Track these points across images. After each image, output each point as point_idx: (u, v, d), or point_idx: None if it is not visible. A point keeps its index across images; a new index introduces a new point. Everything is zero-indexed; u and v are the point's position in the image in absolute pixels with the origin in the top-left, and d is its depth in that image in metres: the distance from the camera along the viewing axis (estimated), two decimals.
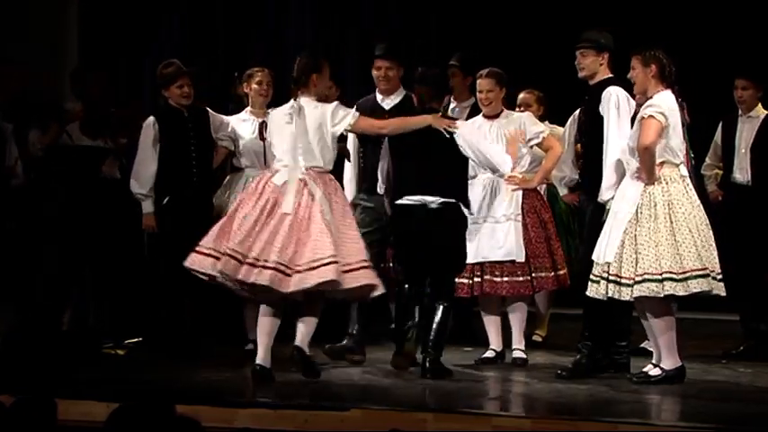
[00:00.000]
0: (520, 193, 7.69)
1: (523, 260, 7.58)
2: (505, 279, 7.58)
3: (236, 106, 8.68)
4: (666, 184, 6.79)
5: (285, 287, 6.74)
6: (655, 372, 6.91)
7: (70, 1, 10.71)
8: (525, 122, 7.79)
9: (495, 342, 7.80)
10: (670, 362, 6.87)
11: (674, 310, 7.03)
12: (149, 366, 7.63)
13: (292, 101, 7.13)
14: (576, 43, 7.40)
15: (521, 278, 7.60)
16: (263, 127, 8.09)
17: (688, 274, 6.69)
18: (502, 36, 11.04)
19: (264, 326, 7.01)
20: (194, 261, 6.97)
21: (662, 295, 6.70)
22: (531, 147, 7.81)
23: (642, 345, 8.07)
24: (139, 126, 8.18)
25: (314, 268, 6.72)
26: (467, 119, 8.83)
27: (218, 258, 6.87)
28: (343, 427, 5.95)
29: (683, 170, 6.90)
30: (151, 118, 8.08)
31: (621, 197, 6.88)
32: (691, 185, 6.91)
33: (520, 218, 7.64)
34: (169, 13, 11.58)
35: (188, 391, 6.63)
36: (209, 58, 11.15)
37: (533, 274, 7.62)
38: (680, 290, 6.69)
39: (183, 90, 8.05)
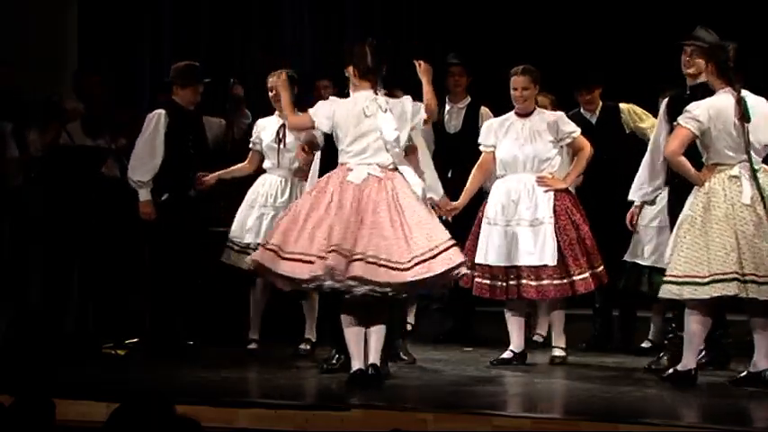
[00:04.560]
0: (551, 194, 7.57)
1: (555, 264, 7.45)
2: (543, 283, 7.46)
3: (232, 107, 8.70)
4: (711, 185, 6.70)
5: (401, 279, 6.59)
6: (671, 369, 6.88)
7: (70, 1, 10.69)
8: (558, 121, 7.69)
9: (516, 343, 7.69)
10: (684, 362, 6.81)
11: None
12: (149, 366, 7.62)
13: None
14: (683, 39, 7.24)
15: (557, 281, 7.47)
16: (281, 129, 8.08)
17: (708, 279, 6.59)
18: (506, 37, 11.05)
19: (355, 334, 6.76)
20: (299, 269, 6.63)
21: (684, 298, 6.67)
22: (563, 147, 7.71)
23: (642, 344, 8.09)
24: (137, 129, 8.18)
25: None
26: (464, 120, 8.82)
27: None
28: (343, 427, 5.94)
29: (737, 170, 6.70)
30: (162, 111, 8.01)
31: (686, 200, 6.85)
32: (741, 185, 6.67)
33: (552, 220, 7.51)
34: (169, 13, 11.56)
35: (188, 391, 6.62)
36: (208, 57, 11.13)
37: (572, 278, 7.48)
38: (701, 293, 6.61)
39: (198, 97, 8.07)
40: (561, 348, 7.74)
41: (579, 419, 5.95)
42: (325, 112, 6.86)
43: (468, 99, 8.82)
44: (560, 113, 7.86)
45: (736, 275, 6.58)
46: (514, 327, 7.70)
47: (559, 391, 6.88)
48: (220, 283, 8.40)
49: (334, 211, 6.64)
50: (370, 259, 6.54)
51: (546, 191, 7.57)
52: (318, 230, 6.61)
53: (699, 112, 6.70)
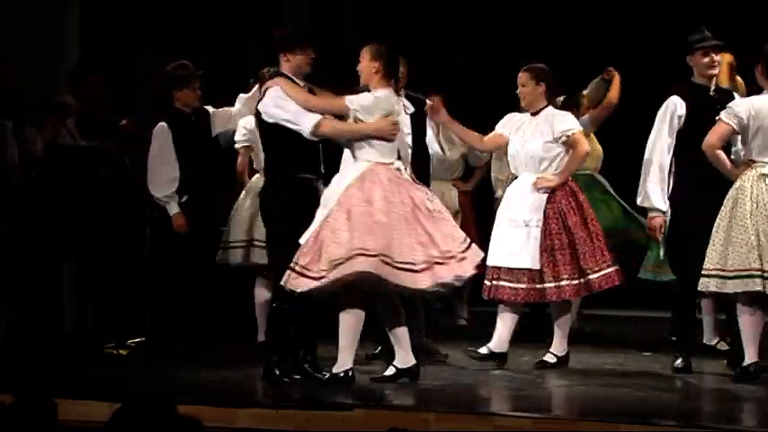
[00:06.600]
0: (544, 197, 7.44)
1: (538, 268, 7.36)
2: (519, 286, 7.39)
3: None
4: (742, 182, 6.76)
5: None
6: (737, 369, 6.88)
7: (70, 1, 10.69)
8: (554, 119, 7.57)
9: (496, 342, 7.58)
10: (747, 358, 6.79)
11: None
12: (150, 366, 7.62)
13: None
14: (717, 41, 7.30)
15: (533, 285, 7.38)
16: None
17: (732, 274, 6.65)
18: (506, 37, 11.04)
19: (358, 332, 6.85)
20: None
21: (707, 291, 6.75)
22: (563, 143, 7.56)
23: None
24: (140, 136, 8.18)
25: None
26: None
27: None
28: (344, 427, 5.94)
29: (767, 169, 6.76)
30: (163, 124, 7.99)
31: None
32: None
33: (540, 223, 7.40)
34: (169, 13, 11.56)
35: (189, 391, 6.63)
36: (208, 57, 11.14)
37: (548, 284, 7.36)
38: (726, 288, 6.67)
39: (197, 93, 8.03)
40: (554, 355, 7.60)
41: (579, 419, 5.96)
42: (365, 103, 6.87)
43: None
44: (562, 112, 7.72)
45: (757, 272, 6.63)
46: (501, 325, 7.59)
47: (560, 392, 6.88)
48: (222, 283, 8.40)
49: (412, 216, 6.72)
50: (440, 260, 6.73)
51: (541, 191, 7.47)
52: (408, 237, 6.66)
53: (740, 108, 6.82)
